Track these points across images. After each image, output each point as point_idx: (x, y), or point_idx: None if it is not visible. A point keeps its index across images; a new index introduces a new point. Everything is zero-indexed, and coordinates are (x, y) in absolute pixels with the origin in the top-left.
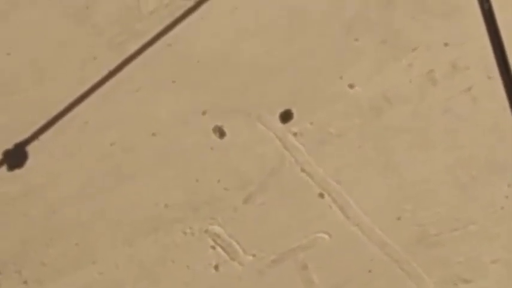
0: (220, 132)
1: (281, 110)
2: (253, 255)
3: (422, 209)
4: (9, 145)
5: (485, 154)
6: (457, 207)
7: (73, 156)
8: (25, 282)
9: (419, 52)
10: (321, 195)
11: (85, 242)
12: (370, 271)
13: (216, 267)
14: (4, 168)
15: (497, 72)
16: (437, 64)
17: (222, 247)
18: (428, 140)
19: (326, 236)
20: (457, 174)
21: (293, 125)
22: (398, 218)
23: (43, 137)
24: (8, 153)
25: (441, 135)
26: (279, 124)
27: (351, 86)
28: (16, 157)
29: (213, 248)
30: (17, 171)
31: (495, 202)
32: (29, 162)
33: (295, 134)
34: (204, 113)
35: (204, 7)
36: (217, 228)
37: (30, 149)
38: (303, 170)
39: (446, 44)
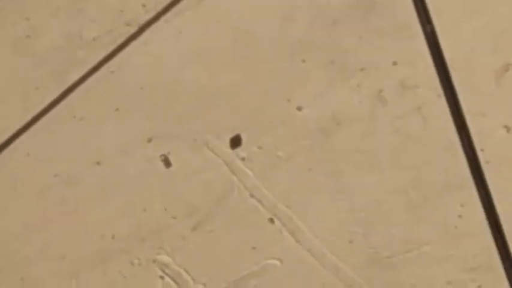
0: (166, 160)
1: (230, 135)
2: (204, 284)
3: (375, 232)
4: None
5: (437, 174)
6: (410, 228)
7: (15, 189)
8: None
9: (368, 72)
10: (271, 221)
11: (30, 277)
12: None
13: None
14: None
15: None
16: (387, 84)
17: (170, 277)
18: (379, 161)
19: (277, 262)
20: (409, 195)
21: (241, 150)
22: (351, 241)
23: None
24: None
25: (392, 155)
26: (226, 149)
27: (299, 109)
28: None
29: (162, 278)
30: None
31: (448, 222)
32: None
33: (243, 159)
34: (149, 140)
35: (147, 32)
36: (165, 258)
37: None
38: (252, 196)
39: (395, 63)
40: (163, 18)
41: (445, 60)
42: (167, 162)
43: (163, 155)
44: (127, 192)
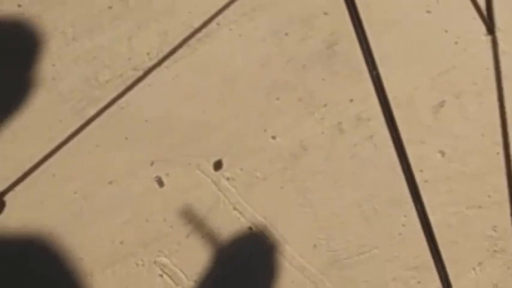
0: (165, 180)
1: (215, 159)
2: (195, 281)
3: (334, 238)
4: None
5: (385, 190)
6: (363, 235)
7: (43, 203)
8: None
9: (329, 107)
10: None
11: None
12: None
13: None
14: None
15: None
16: (345, 117)
17: (168, 275)
18: (338, 181)
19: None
20: (363, 209)
21: (226, 171)
22: (315, 246)
23: (18, 188)
24: None
25: (349, 176)
26: (214, 171)
27: (274, 138)
28: None
29: (161, 276)
30: None
31: (394, 230)
32: (6, 210)
33: (228, 179)
34: (152, 163)
35: (150, 76)
36: (164, 260)
37: (7, 198)
38: (235, 209)
39: (351, 100)
40: (164, 64)
41: (389, 99)
42: (166, 182)
43: (162, 175)
44: (133, 206)
